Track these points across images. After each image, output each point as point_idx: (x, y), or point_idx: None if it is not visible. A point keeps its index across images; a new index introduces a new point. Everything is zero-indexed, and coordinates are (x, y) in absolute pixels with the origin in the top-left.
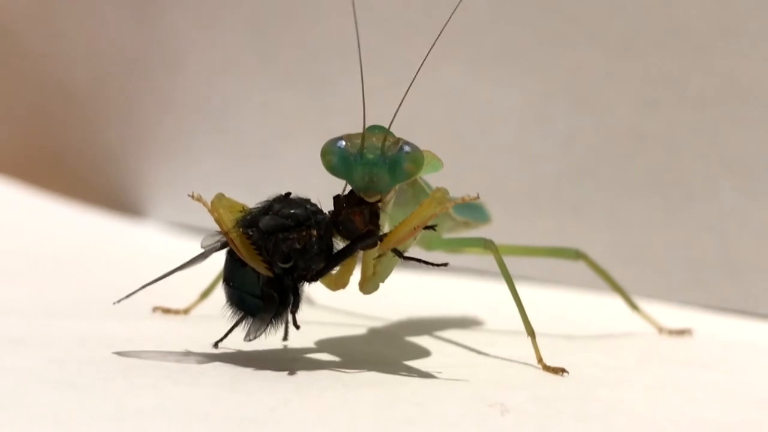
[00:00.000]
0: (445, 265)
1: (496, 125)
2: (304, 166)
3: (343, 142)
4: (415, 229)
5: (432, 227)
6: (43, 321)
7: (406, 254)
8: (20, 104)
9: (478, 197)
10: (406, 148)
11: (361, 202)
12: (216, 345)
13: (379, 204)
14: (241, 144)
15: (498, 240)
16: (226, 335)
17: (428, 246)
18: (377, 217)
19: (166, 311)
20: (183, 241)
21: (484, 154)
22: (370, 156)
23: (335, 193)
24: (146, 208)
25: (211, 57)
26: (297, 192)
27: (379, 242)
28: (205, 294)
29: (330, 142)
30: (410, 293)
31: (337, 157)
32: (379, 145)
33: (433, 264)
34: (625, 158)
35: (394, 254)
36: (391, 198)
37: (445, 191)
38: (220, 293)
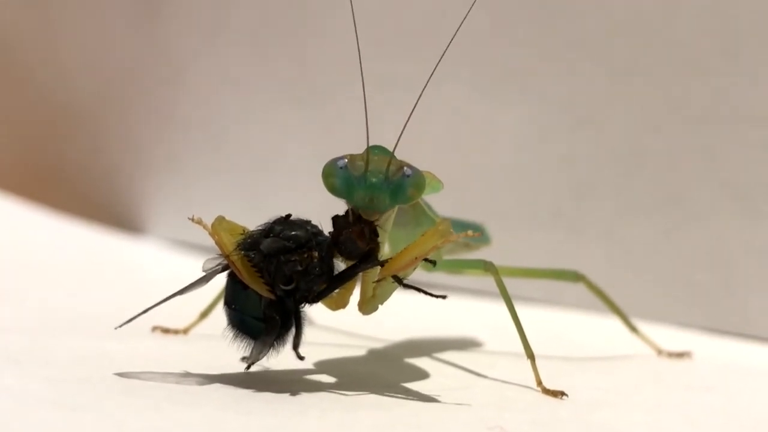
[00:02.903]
0: (444, 297)
1: (496, 145)
2: (305, 183)
3: (346, 163)
4: (416, 258)
5: (432, 261)
6: (42, 339)
7: (406, 282)
8: (19, 119)
9: (480, 234)
10: (409, 173)
11: (360, 220)
12: (248, 367)
13: (378, 222)
14: (242, 160)
15: (498, 260)
16: (253, 359)
17: (429, 268)
18: (377, 235)
19: (166, 331)
20: (184, 259)
21: (484, 174)
22: (374, 180)
23: (335, 213)
24: (146, 225)
25: (212, 73)
26: (298, 210)
27: (380, 267)
28: (205, 314)
29: (332, 164)
30: (410, 314)
31: (340, 180)
32: (383, 169)
33: (432, 294)
34: (625, 178)
35: (393, 280)
36: (389, 216)
37: (448, 224)
38: (219, 313)
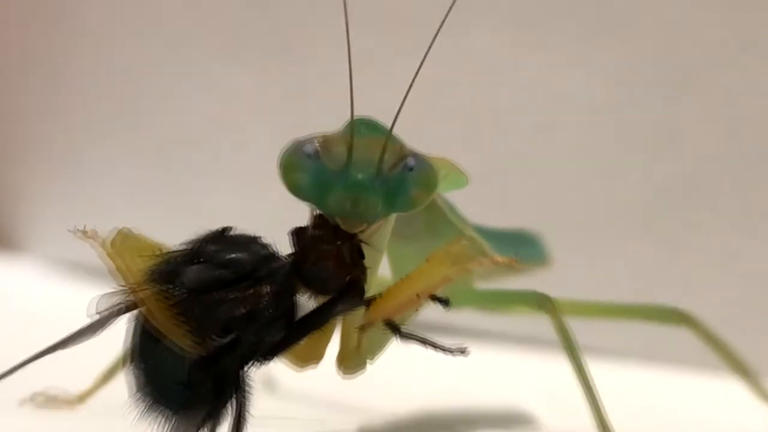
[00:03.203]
0: (463, 351)
1: (549, 125)
2: (259, 178)
3: (317, 149)
4: (418, 296)
5: (443, 301)
6: None
7: (405, 329)
8: None
9: (517, 261)
10: (413, 164)
11: (337, 233)
12: None
13: (364, 237)
14: (164, 146)
15: (557, 291)
16: None
17: (455, 301)
18: (362, 256)
19: (50, 400)
20: (71, 284)
21: (531, 166)
22: (360, 176)
23: (298, 225)
24: (25, 241)
25: (115, 17)
26: (246, 219)
27: (366, 307)
28: (107, 377)
29: (295, 151)
30: (422, 371)
31: (309, 175)
32: (374, 158)
33: (444, 349)
34: (742, 173)
35: (387, 328)
36: (383, 228)
37: (467, 244)
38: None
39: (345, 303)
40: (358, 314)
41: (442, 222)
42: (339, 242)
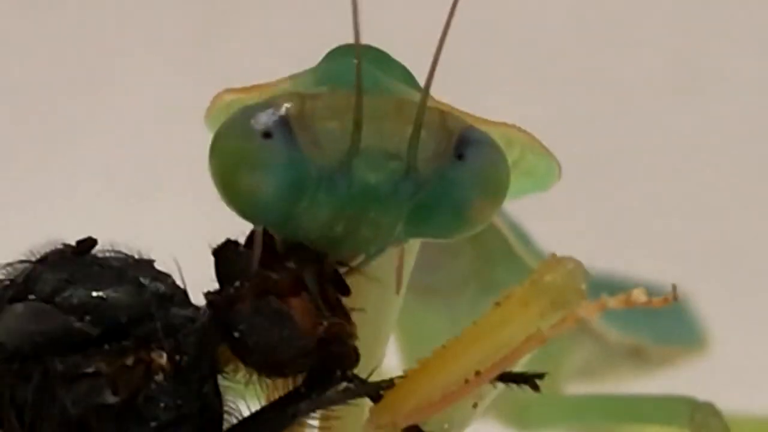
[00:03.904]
0: None
1: (693, 83)
2: (150, 167)
3: (286, 126)
4: (478, 375)
5: (533, 380)
6: None
7: None
8: None
9: (675, 297)
10: (466, 147)
11: (295, 255)
12: None
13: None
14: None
15: (725, 399)
16: None
17: (529, 417)
18: (342, 290)
19: None
20: None
21: (654, 152)
22: (375, 177)
23: (226, 240)
24: None
25: None
26: (115, 237)
27: (372, 400)
28: None
29: (245, 127)
30: None
31: (278, 177)
32: (403, 138)
33: None
34: None
35: None
36: (399, 257)
37: (576, 269)
38: None
39: (323, 391)
40: (354, 416)
41: (502, 259)
42: (299, 268)
